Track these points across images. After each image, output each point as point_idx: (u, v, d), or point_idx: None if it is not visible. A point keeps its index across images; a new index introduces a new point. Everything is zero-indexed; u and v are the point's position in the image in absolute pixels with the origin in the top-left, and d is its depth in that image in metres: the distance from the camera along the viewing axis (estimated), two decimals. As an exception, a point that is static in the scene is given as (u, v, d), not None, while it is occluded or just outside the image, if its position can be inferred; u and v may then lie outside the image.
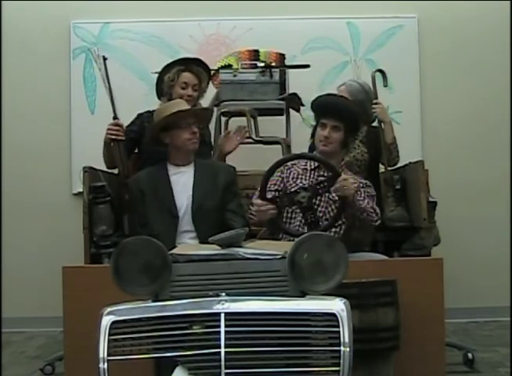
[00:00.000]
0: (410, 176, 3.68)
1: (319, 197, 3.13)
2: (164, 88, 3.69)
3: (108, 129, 3.47)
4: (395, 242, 3.63)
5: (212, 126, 3.94)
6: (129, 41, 4.94)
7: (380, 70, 3.95)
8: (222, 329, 1.79)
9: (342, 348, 1.79)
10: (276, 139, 4.04)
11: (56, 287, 2.98)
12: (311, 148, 3.49)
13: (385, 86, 3.93)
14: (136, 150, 3.75)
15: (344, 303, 1.85)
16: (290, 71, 4.22)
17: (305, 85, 4.22)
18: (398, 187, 3.72)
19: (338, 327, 1.80)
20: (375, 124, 3.93)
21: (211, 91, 4.11)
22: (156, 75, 3.81)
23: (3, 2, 4.89)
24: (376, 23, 4.97)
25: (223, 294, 1.85)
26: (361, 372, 2.36)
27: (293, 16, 4.94)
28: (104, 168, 3.56)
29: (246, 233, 2.21)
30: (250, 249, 2.05)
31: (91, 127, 4.70)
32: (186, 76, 3.65)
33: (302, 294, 1.90)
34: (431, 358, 2.86)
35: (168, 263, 1.92)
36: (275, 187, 3.22)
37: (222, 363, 1.76)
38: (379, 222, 3.19)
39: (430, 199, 3.61)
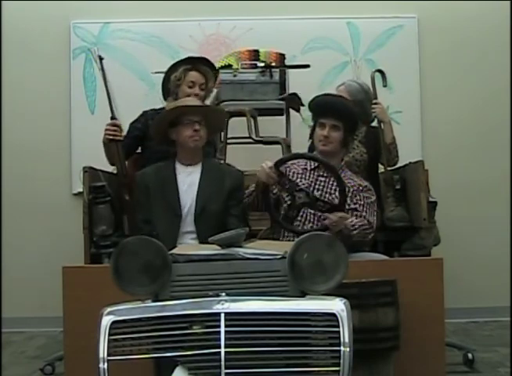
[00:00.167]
0: (410, 176, 3.68)
1: (309, 210, 3.14)
2: (170, 88, 3.67)
3: (106, 130, 3.47)
4: (395, 242, 3.63)
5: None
6: (129, 41, 4.95)
7: (380, 71, 3.95)
8: (222, 329, 1.79)
9: (342, 348, 1.79)
10: (276, 139, 4.04)
11: (56, 287, 2.98)
12: (311, 149, 3.49)
13: (384, 86, 3.93)
14: (138, 149, 3.74)
15: (344, 303, 1.85)
16: (290, 71, 4.22)
17: (305, 85, 4.22)
18: (398, 187, 3.72)
19: (338, 327, 1.80)
20: (374, 124, 3.94)
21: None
22: (156, 75, 3.81)
23: (3, 2, 4.89)
24: (376, 23, 4.97)
25: (223, 294, 1.85)
26: (361, 372, 2.36)
27: (293, 16, 4.94)
28: (104, 168, 3.56)
29: (247, 233, 2.21)
30: (250, 249, 2.05)
31: (91, 127, 4.69)
32: (193, 75, 3.62)
33: (302, 294, 1.90)
34: (431, 358, 2.86)
35: (168, 263, 1.92)
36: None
37: (222, 363, 1.76)
38: (373, 234, 3.19)
39: (430, 199, 3.61)
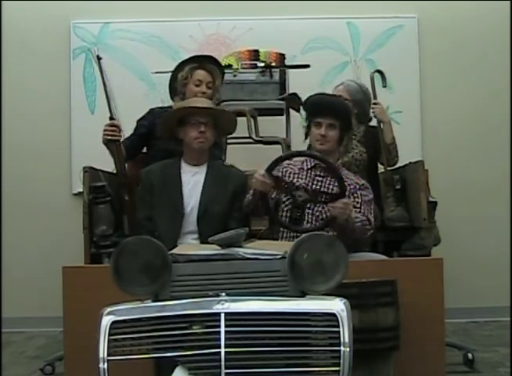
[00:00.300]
0: (410, 176, 3.69)
1: (313, 205, 3.12)
2: (177, 87, 3.66)
3: (104, 130, 3.46)
4: (395, 242, 3.63)
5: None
6: (129, 41, 4.95)
7: (379, 71, 3.96)
8: (222, 329, 1.79)
9: (342, 348, 1.79)
10: (276, 139, 4.04)
11: (56, 287, 2.98)
12: (309, 149, 3.48)
13: (384, 87, 3.93)
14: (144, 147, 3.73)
15: (344, 303, 1.85)
16: (290, 71, 4.22)
17: (305, 85, 4.21)
18: (398, 187, 3.73)
19: (338, 327, 1.80)
20: (374, 124, 3.94)
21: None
22: (156, 75, 3.81)
23: (3, 2, 4.89)
24: (376, 23, 4.97)
25: (223, 294, 1.85)
26: (361, 372, 2.36)
27: (293, 16, 4.94)
28: (104, 168, 3.55)
29: (246, 233, 2.21)
30: (250, 249, 2.05)
31: (91, 127, 4.69)
32: (200, 73, 3.60)
33: (302, 294, 1.90)
34: (431, 358, 2.86)
35: (168, 263, 1.92)
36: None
37: (222, 363, 1.76)
38: (372, 231, 3.18)
39: (430, 199, 3.61)
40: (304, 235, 1.96)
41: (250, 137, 3.98)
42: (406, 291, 2.77)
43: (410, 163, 3.71)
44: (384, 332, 2.71)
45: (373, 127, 3.93)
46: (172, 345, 1.81)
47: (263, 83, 4.05)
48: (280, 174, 3.17)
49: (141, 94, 4.85)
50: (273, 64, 4.11)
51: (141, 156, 3.73)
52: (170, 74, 3.74)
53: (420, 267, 2.95)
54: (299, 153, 3.23)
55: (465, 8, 4.96)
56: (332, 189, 3.16)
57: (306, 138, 3.33)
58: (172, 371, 1.83)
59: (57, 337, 4.13)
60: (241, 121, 3.95)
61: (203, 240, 3.10)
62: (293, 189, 3.08)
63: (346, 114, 3.27)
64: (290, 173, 3.23)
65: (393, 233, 3.65)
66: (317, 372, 1.83)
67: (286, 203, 3.14)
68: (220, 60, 4.17)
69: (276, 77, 4.08)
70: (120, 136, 3.46)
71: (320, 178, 3.19)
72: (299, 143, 3.89)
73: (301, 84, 4.20)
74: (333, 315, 1.82)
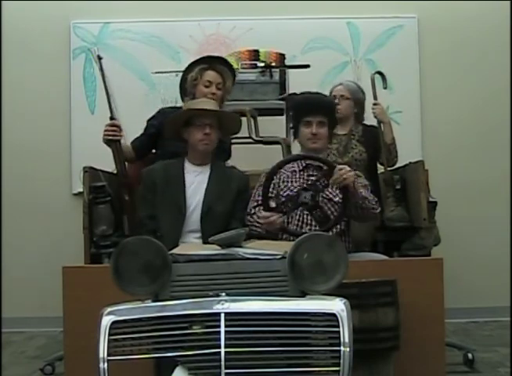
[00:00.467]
0: (410, 176, 3.69)
1: (321, 194, 3.12)
2: (187, 88, 3.66)
3: (105, 130, 3.46)
4: (395, 242, 3.63)
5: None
6: (129, 41, 4.95)
7: (380, 72, 3.96)
8: (222, 329, 1.79)
9: (342, 348, 1.79)
10: (276, 139, 4.04)
11: (56, 287, 2.98)
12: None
13: (385, 88, 3.94)
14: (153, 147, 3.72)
15: (344, 303, 1.85)
16: (290, 71, 4.22)
17: (305, 85, 4.20)
18: (398, 187, 3.73)
19: (338, 327, 1.80)
20: (372, 123, 3.95)
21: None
22: (156, 75, 3.80)
23: (3, 2, 4.89)
24: (376, 23, 4.97)
25: (223, 294, 1.85)
26: (361, 372, 2.36)
27: (293, 16, 4.94)
28: (104, 168, 3.55)
29: (246, 233, 2.21)
30: (250, 249, 2.05)
31: (91, 127, 4.69)
32: (210, 74, 3.58)
33: (302, 294, 1.90)
34: (431, 358, 2.86)
35: (168, 263, 1.92)
36: (270, 194, 3.15)
37: (222, 363, 1.76)
38: (379, 209, 3.17)
39: (431, 199, 3.61)
40: (304, 235, 1.96)
41: (250, 137, 3.98)
42: (406, 291, 2.77)
43: (410, 163, 3.71)
44: (384, 332, 2.71)
45: (372, 126, 3.94)
46: (172, 345, 1.80)
47: (263, 83, 4.05)
48: (275, 202, 3.12)
49: (141, 94, 4.85)
50: (273, 64, 4.11)
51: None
52: (170, 74, 3.74)
53: (420, 267, 2.95)
54: (283, 163, 3.18)
55: (465, 8, 4.96)
56: (332, 188, 3.15)
57: (295, 138, 3.32)
58: (172, 371, 1.82)
59: (57, 337, 4.13)
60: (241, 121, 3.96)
61: (206, 239, 3.09)
62: (296, 198, 3.07)
63: (333, 111, 3.29)
64: (283, 177, 3.21)
65: (393, 233, 3.65)
66: (317, 372, 1.83)
67: (301, 214, 3.12)
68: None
69: (276, 77, 4.08)
70: (120, 136, 3.46)
71: (314, 178, 3.19)
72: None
73: (301, 84, 4.18)
74: (333, 315, 1.82)
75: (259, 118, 4.09)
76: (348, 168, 3.03)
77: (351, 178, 2.98)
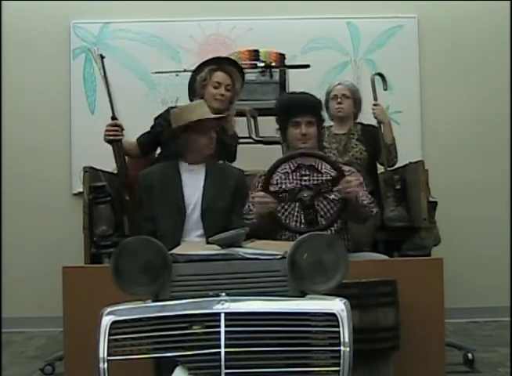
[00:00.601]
0: (410, 176, 3.69)
1: (320, 197, 3.11)
2: (196, 89, 3.65)
3: (106, 130, 3.46)
4: (395, 242, 3.63)
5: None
6: (129, 41, 4.95)
7: (380, 74, 3.96)
8: (222, 329, 1.79)
9: (342, 348, 1.79)
10: (276, 139, 4.02)
11: (56, 287, 2.98)
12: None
13: (385, 90, 3.94)
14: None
15: (344, 303, 1.84)
16: (290, 71, 4.22)
17: (305, 85, 4.19)
18: (398, 187, 3.73)
19: (338, 327, 1.80)
20: (370, 123, 3.96)
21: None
22: (156, 75, 3.80)
23: (3, 2, 4.89)
24: (376, 23, 4.97)
25: (223, 294, 1.85)
26: (361, 372, 2.36)
27: (293, 16, 4.94)
28: (104, 168, 3.55)
29: (246, 233, 2.21)
30: (250, 249, 2.05)
31: (91, 127, 4.70)
32: (219, 75, 3.59)
33: (302, 294, 1.90)
34: (431, 358, 2.86)
35: (168, 263, 1.92)
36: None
37: (222, 363, 1.76)
38: (376, 210, 3.16)
39: (431, 199, 3.61)
40: (304, 235, 1.95)
41: (250, 137, 3.98)
42: (406, 291, 2.77)
43: (410, 163, 3.71)
44: (384, 332, 2.71)
45: (370, 125, 3.95)
46: (172, 345, 1.80)
47: (263, 83, 4.05)
48: (276, 187, 3.12)
49: (141, 94, 4.85)
50: (273, 64, 4.11)
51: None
52: (170, 73, 3.73)
53: (420, 267, 2.95)
54: (284, 159, 3.16)
55: (465, 8, 4.97)
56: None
57: (284, 140, 3.31)
58: (172, 371, 1.82)
59: (57, 337, 4.13)
60: (241, 121, 3.96)
61: (209, 235, 3.10)
62: (296, 193, 3.06)
63: (319, 109, 3.28)
64: (276, 180, 3.19)
65: (393, 233, 3.65)
66: (317, 372, 1.83)
67: (295, 209, 3.10)
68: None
69: (276, 77, 4.08)
70: (122, 136, 3.46)
71: (306, 178, 3.17)
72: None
73: (301, 84, 4.17)
74: (333, 315, 1.81)
75: (259, 118, 4.09)
76: (356, 182, 3.00)
77: (354, 194, 2.97)
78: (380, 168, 3.91)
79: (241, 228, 2.32)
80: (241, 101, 3.99)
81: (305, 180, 3.16)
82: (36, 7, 4.93)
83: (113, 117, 3.49)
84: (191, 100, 3.69)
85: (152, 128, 3.63)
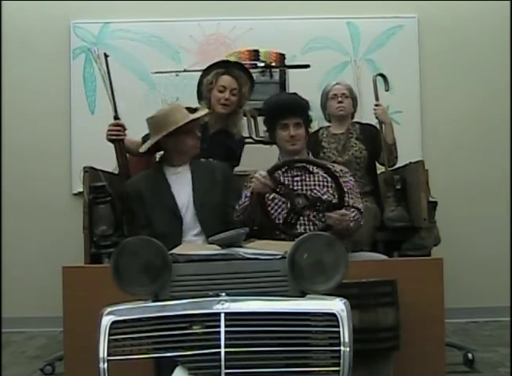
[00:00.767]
0: (410, 176, 3.69)
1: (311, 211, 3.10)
2: (203, 92, 3.65)
3: (109, 129, 3.46)
4: (395, 242, 3.63)
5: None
6: (129, 41, 4.95)
7: (382, 75, 3.97)
8: (222, 329, 1.79)
9: (342, 348, 1.79)
10: (276, 139, 4.03)
11: (56, 287, 2.98)
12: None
13: (387, 91, 3.95)
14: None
15: (344, 303, 1.84)
16: (290, 71, 4.22)
17: (305, 85, 4.21)
18: (398, 187, 3.73)
19: (338, 327, 1.80)
20: (368, 121, 3.96)
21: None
22: (156, 75, 3.79)
23: (3, 2, 4.89)
24: (376, 23, 4.97)
25: (223, 294, 1.85)
26: (361, 372, 2.36)
27: (293, 16, 4.94)
28: (104, 168, 3.55)
29: (246, 233, 2.21)
30: (250, 249, 2.05)
31: (91, 127, 4.71)
32: (225, 79, 3.59)
33: (302, 294, 1.90)
34: (431, 358, 2.86)
35: (168, 263, 1.92)
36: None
37: (222, 363, 1.76)
38: (362, 222, 3.13)
39: (431, 199, 3.61)
40: (304, 235, 1.95)
41: (250, 137, 3.97)
42: (406, 291, 2.77)
43: (410, 163, 3.71)
44: (384, 332, 2.71)
45: (369, 125, 3.96)
46: (172, 345, 1.80)
47: (263, 83, 4.05)
48: (282, 178, 3.11)
49: (141, 94, 4.85)
50: (273, 64, 4.11)
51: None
52: (170, 73, 3.73)
53: (420, 267, 2.95)
54: (308, 161, 3.18)
55: (465, 8, 4.97)
56: (313, 188, 3.11)
57: (274, 142, 3.31)
58: (172, 371, 1.82)
59: (57, 337, 4.13)
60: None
61: (207, 231, 3.12)
62: (294, 195, 3.05)
63: (307, 110, 3.26)
64: None
65: (393, 233, 3.65)
66: (317, 372, 1.83)
67: (283, 206, 3.09)
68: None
69: (276, 77, 4.08)
70: (124, 135, 3.46)
71: (299, 178, 3.16)
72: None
73: (301, 84, 4.19)
74: (333, 315, 1.81)
75: (259, 118, 4.09)
76: (347, 218, 2.98)
77: (342, 227, 2.95)
78: (380, 168, 3.91)
79: (241, 228, 2.32)
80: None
81: (297, 181, 3.15)
82: (36, 7, 4.93)
83: (116, 117, 3.49)
84: (199, 102, 3.70)
85: None
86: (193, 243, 3.13)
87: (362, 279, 2.69)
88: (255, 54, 4.18)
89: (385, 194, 3.78)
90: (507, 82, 4.92)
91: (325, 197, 3.08)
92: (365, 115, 4.19)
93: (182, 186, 3.27)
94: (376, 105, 3.86)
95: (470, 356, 3.52)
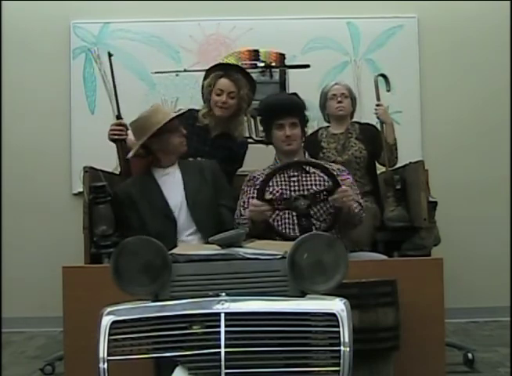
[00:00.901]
0: (410, 176, 3.69)
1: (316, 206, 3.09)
2: (204, 94, 3.67)
3: (111, 129, 3.47)
4: (395, 242, 3.63)
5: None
6: (129, 41, 4.95)
7: (383, 75, 3.97)
8: (222, 329, 1.79)
9: (342, 348, 1.79)
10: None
11: (56, 287, 2.98)
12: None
13: (388, 91, 3.95)
14: None
15: (344, 303, 1.84)
16: (290, 71, 4.22)
17: (305, 85, 4.21)
18: (398, 187, 3.73)
19: (338, 327, 1.80)
20: (371, 122, 3.96)
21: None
22: (156, 75, 3.80)
23: (3, 2, 4.89)
24: (376, 23, 4.97)
25: (223, 294, 1.85)
26: (361, 372, 2.36)
27: (293, 16, 4.94)
28: (104, 168, 3.55)
29: (246, 233, 2.21)
30: (250, 249, 2.05)
31: (91, 127, 4.71)
32: (222, 82, 3.59)
33: (302, 294, 1.90)
34: (431, 358, 2.86)
35: (168, 263, 1.92)
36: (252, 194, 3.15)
37: (222, 363, 1.76)
38: (364, 215, 3.15)
39: (431, 199, 3.61)
40: (304, 235, 1.95)
41: (250, 137, 3.98)
42: (406, 291, 2.77)
43: (410, 163, 3.71)
44: (384, 332, 2.71)
45: (369, 124, 3.96)
46: (172, 345, 1.80)
47: (263, 83, 4.05)
48: (272, 195, 3.09)
49: (141, 94, 4.85)
50: (273, 64, 4.12)
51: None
52: (170, 73, 3.73)
53: (420, 267, 2.95)
54: (280, 168, 3.16)
55: (465, 8, 4.97)
56: (310, 187, 3.12)
57: (270, 142, 3.31)
58: (172, 371, 1.82)
59: (57, 337, 4.13)
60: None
61: (202, 229, 3.14)
62: (292, 201, 3.05)
63: (303, 110, 3.27)
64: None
65: (393, 233, 3.65)
66: (317, 372, 1.83)
67: (288, 217, 3.08)
68: (220, 60, 4.19)
69: (276, 77, 4.09)
70: (126, 135, 3.46)
71: (295, 178, 3.17)
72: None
73: (301, 85, 4.20)
74: (333, 315, 1.81)
75: (259, 118, 4.08)
76: (350, 192, 3.00)
77: (349, 203, 2.97)
78: (380, 168, 3.92)
79: (241, 228, 2.33)
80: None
81: (294, 181, 3.15)
82: (36, 7, 4.93)
83: (118, 117, 3.49)
84: (204, 103, 3.71)
85: None
86: (188, 243, 3.14)
87: (362, 279, 2.69)
88: (255, 54, 4.18)
89: (385, 194, 3.78)
90: (507, 82, 4.92)
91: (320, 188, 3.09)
92: (365, 115, 4.20)
93: (172, 186, 3.27)
94: (377, 105, 3.86)
95: (470, 356, 3.52)
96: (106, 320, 1.84)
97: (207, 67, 3.77)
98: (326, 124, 4.06)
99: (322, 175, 3.11)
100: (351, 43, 4.97)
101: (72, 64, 4.95)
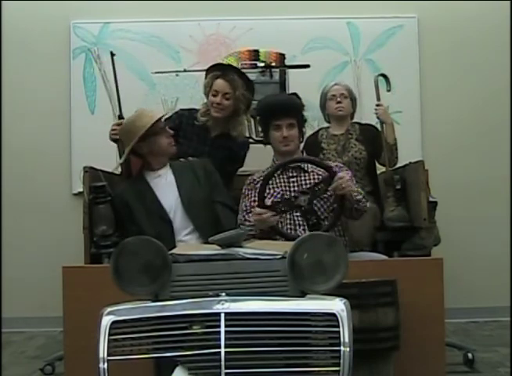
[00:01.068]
0: (410, 176, 3.68)
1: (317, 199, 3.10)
2: (205, 94, 3.69)
3: (112, 129, 3.47)
4: (395, 242, 3.63)
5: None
6: (129, 41, 4.95)
7: (384, 75, 3.96)
8: (222, 329, 1.79)
9: (342, 348, 1.79)
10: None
11: (56, 287, 2.98)
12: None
13: (388, 91, 3.94)
14: None
15: (344, 303, 1.84)
16: (290, 71, 4.22)
17: (305, 85, 4.21)
18: (398, 187, 3.72)
19: (338, 327, 1.80)
20: (371, 122, 3.96)
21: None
22: (156, 75, 3.79)
23: (3, 2, 4.89)
24: (376, 23, 4.97)
25: (223, 294, 1.85)
26: (361, 372, 2.36)
27: (293, 16, 4.94)
28: (104, 168, 3.55)
29: (246, 233, 2.21)
30: (250, 249, 2.05)
31: (91, 127, 4.71)
32: (218, 83, 3.60)
33: (302, 294, 1.90)
34: (431, 358, 2.86)
35: (168, 263, 1.92)
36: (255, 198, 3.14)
37: (222, 363, 1.76)
38: (368, 204, 3.15)
39: (431, 199, 3.61)
40: (304, 235, 1.95)
41: (250, 137, 3.98)
42: (406, 291, 2.77)
43: (410, 163, 3.71)
44: (384, 332, 2.71)
45: (369, 125, 3.96)
46: (172, 345, 1.80)
47: (263, 83, 4.05)
48: (271, 200, 3.09)
49: (141, 94, 4.85)
50: (273, 64, 4.11)
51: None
52: (170, 73, 3.74)
53: (420, 267, 2.95)
54: (277, 169, 3.16)
55: (465, 8, 4.97)
56: (317, 181, 3.12)
57: (268, 142, 3.31)
58: (172, 371, 1.82)
59: (57, 337, 4.13)
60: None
61: (199, 228, 3.15)
62: (293, 201, 3.05)
63: (300, 110, 3.27)
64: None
65: (393, 233, 3.65)
66: (317, 372, 1.83)
67: (294, 218, 3.09)
68: (220, 60, 4.19)
69: (276, 77, 4.09)
70: None
71: (294, 179, 3.17)
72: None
73: (301, 85, 4.20)
74: (333, 315, 1.81)
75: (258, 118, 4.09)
76: (347, 178, 3.01)
77: (349, 188, 2.97)
78: (380, 168, 3.91)
79: (241, 228, 2.33)
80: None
81: (293, 182, 3.15)
82: (36, 7, 4.93)
83: (120, 116, 3.49)
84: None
85: None
86: (187, 242, 3.14)
87: (362, 279, 2.69)
88: (255, 54, 4.18)
89: (385, 194, 3.78)
90: (507, 82, 4.92)
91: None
92: (365, 115, 4.20)
93: (165, 188, 3.28)
94: (377, 105, 3.86)
95: (470, 356, 3.52)
96: (106, 320, 1.84)
97: (206, 67, 3.77)
98: (327, 125, 4.06)
99: (319, 171, 3.11)
100: (351, 43, 4.97)
101: (72, 64, 4.95)
